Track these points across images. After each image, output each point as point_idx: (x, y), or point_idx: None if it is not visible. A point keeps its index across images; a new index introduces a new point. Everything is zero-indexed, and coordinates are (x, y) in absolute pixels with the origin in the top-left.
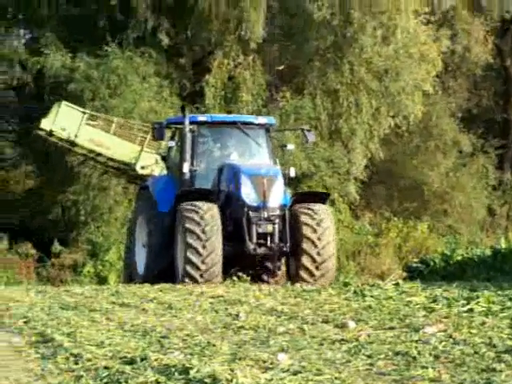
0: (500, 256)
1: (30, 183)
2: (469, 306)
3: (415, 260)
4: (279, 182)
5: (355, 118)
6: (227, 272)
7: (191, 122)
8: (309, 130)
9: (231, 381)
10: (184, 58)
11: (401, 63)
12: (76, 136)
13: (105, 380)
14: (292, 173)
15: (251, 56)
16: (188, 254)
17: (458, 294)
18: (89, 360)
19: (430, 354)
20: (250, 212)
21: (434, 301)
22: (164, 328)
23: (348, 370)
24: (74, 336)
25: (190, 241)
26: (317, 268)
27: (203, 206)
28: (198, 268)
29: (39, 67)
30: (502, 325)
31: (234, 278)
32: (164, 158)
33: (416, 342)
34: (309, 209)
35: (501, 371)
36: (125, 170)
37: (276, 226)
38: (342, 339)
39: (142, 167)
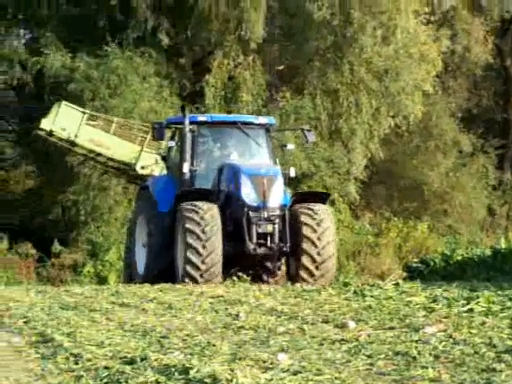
0: (500, 256)
1: (30, 183)
2: (469, 306)
3: (415, 260)
4: (279, 182)
5: (355, 117)
6: (227, 272)
7: (191, 122)
8: (309, 130)
9: (231, 381)
10: (184, 57)
11: (401, 63)
12: (76, 136)
13: (105, 380)
14: (292, 173)
15: (251, 56)
16: (188, 254)
17: (458, 294)
18: (89, 360)
19: (430, 354)
20: (250, 212)
21: (434, 301)
22: (164, 328)
23: (348, 369)
24: (74, 336)
25: (190, 241)
26: (317, 268)
27: (203, 206)
28: (198, 268)
29: (39, 67)
30: (502, 325)
31: (234, 278)
32: (164, 158)
33: (416, 341)
34: (309, 209)
35: (501, 371)
36: (125, 170)
37: (276, 225)
38: (342, 339)
39: (142, 167)
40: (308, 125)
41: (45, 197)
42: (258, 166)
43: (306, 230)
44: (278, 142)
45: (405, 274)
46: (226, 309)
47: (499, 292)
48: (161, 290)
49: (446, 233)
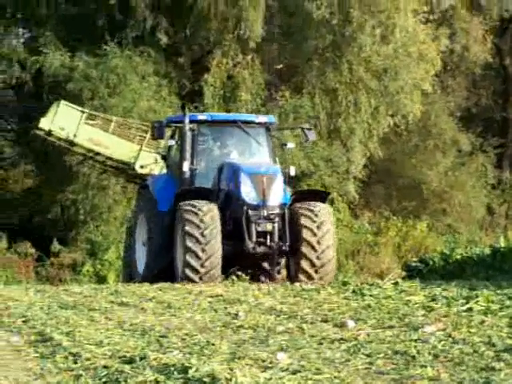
0: (499, 255)
1: (29, 182)
2: (468, 305)
3: (414, 259)
4: (279, 181)
5: (354, 117)
6: (226, 271)
7: (191, 121)
8: (309, 129)
9: (230, 380)
10: (183, 57)
11: (400, 62)
12: (75, 135)
13: (104, 379)
14: (292, 172)
15: (250, 55)
16: (187, 257)
17: (457, 293)
18: (88, 359)
19: (429, 353)
20: (250, 211)
21: (433, 300)
22: (163, 327)
23: (347, 369)
24: (73, 335)
25: (190, 244)
26: (316, 272)
27: (203, 207)
28: (197, 271)
29: (38, 66)
30: (501, 324)
31: (233, 278)
32: (164, 157)
33: (415, 341)
34: (309, 210)
35: (500, 370)
36: (124, 170)
37: (276, 224)
38: (341, 338)
39: (141, 166)
40: (308, 123)
41: (44, 196)
42: (257, 164)
43: (305, 234)
44: (277, 141)
45: (404, 273)
46: (225, 308)
47: (498, 291)
48: (160, 289)
49: (445, 232)
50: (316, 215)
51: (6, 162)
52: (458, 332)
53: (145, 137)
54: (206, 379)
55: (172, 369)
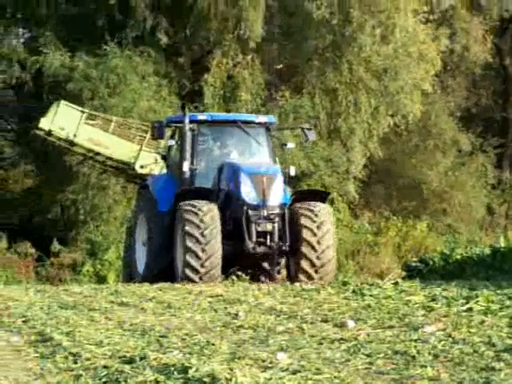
0: (499, 255)
1: (29, 182)
2: (468, 305)
3: (414, 259)
4: (279, 181)
5: (354, 117)
6: (226, 271)
7: (191, 121)
8: (309, 129)
9: (230, 380)
10: (183, 57)
11: (400, 62)
12: (75, 135)
13: (104, 379)
14: (292, 172)
15: (250, 55)
16: (187, 257)
17: (457, 293)
18: (88, 359)
19: (430, 353)
20: (250, 210)
21: (433, 300)
22: (163, 327)
23: (347, 369)
24: (73, 335)
25: (190, 244)
26: (316, 272)
27: (203, 207)
28: (197, 271)
29: (38, 66)
30: (501, 324)
31: (233, 277)
32: (164, 157)
33: (415, 341)
34: (309, 210)
35: (500, 370)
36: (124, 170)
37: (276, 224)
38: (341, 338)
39: (141, 166)
40: (308, 123)
41: (44, 196)
42: (257, 164)
43: (305, 234)
44: (277, 141)
45: (404, 273)
46: (225, 308)
47: (498, 291)
48: (160, 289)
49: (445, 232)
50: (316, 215)
51: (6, 162)
52: (458, 332)
53: (145, 137)
54: (206, 379)
55: (172, 369)
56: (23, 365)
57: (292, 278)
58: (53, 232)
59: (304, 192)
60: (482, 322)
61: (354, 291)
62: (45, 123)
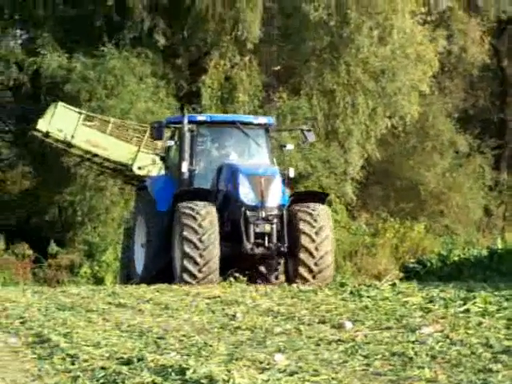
0: (496, 256)
1: (27, 184)
2: (465, 307)
3: (412, 260)
4: (277, 182)
5: (352, 118)
6: (225, 273)
7: (190, 122)
8: (309, 130)
9: (228, 381)
10: (180, 58)
11: (397, 63)
12: (72, 137)
13: (101, 380)
14: (291, 173)
15: (248, 56)
16: (185, 262)
17: (454, 295)
18: (85, 360)
19: (427, 355)
20: (248, 212)
21: (431, 301)
22: (161, 329)
23: (345, 370)
24: (71, 336)
25: (188, 250)
26: (313, 277)
27: (201, 210)
28: (194, 276)
29: (36, 68)
30: (498, 325)
31: (231, 279)
32: (163, 158)
33: (413, 342)
34: (308, 213)
35: (497, 372)
36: (121, 171)
37: (274, 226)
38: (339, 340)
39: (139, 168)
40: (306, 125)
41: (41, 197)
42: (256, 165)
43: (304, 240)
44: (276, 142)
45: (401, 275)
46: (223, 309)
47: (496, 292)
48: (157, 291)
49: (443, 233)
50: (315, 220)
51: (3, 164)
52: (456, 333)
53: (142, 138)
54: (203, 381)
55: (169, 370)
56: (21, 366)
57: (291, 276)
58: (50, 233)
59: (303, 193)
60: (480, 323)
61: (351, 292)
62: (42, 125)
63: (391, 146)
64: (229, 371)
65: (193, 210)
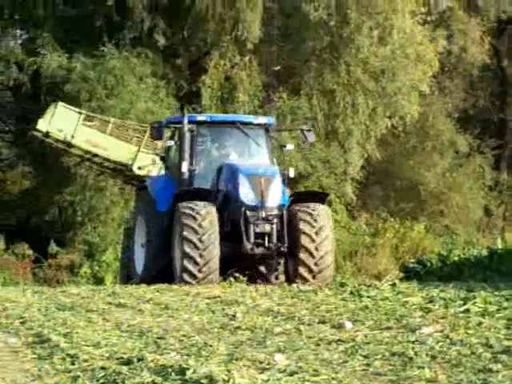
0: (496, 256)
1: (27, 184)
2: (465, 307)
3: (412, 260)
4: (277, 182)
5: (352, 118)
6: (225, 273)
7: (190, 122)
8: (309, 130)
9: (228, 381)
10: (180, 58)
11: (397, 63)
12: (72, 137)
13: (101, 380)
14: (291, 173)
15: (248, 56)
16: (185, 262)
17: (454, 295)
18: (85, 360)
19: (427, 355)
20: (248, 212)
21: (431, 301)
22: (161, 329)
23: (345, 370)
24: (71, 336)
25: (188, 250)
26: (313, 277)
27: (201, 210)
28: (194, 277)
29: (36, 68)
30: (498, 325)
31: (231, 279)
32: (163, 158)
33: (413, 342)
34: (308, 213)
35: (497, 372)
36: (121, 171)
37: (274, 225)
38: (339, 340)
39: (139, 168)
40: (306, 125)
41: (41, 197)
42: (256, 165)
43: (304, 240)
44: (276, 142)
45: (401, 275)
46: (223, 309)
47: (496, 292)
48: (157, 291)
49: (443, 233)
50: (315, 220)
51: (3, 164)
52: (456, 333)
53: (142, 138)
54: (203, 381)
55: (169, 370)
56: (21, 366)
57: (291, 276)
58: (50, 233)
59: (303, 193)
60: (480, 323)
61: (351, 292)
62: (42, 125)
63: (391, 145)
64: (229, 371)
65: (193, 210)
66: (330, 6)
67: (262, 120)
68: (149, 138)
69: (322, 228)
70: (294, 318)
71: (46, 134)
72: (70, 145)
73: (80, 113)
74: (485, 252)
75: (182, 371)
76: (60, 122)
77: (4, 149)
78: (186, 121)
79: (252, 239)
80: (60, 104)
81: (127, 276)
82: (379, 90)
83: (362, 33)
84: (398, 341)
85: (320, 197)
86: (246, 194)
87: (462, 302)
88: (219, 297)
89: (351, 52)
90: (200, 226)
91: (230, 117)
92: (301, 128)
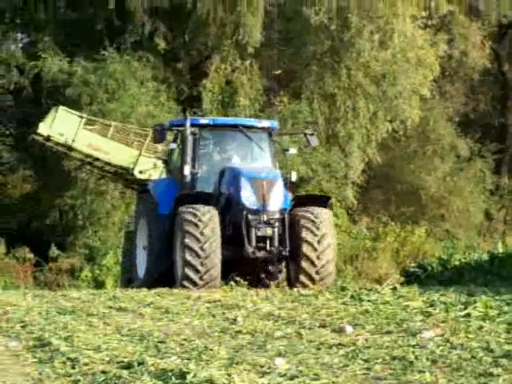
0: (497, 261)
1: (28, 187)
2: (466, 311)
3: (412, 264)
4: (279, 186)
5: (352, 122)
6: (226, 276)
7: (193, 125)
8: (312, 134)
9: None
10: (181, 62)
11: (398, 67)
12: (73, 141)
13: None
14: (294, 177)
15: (248, 60)
16: (186, 270)
17: (455, 299)
18: (86, 364)
19: (428, 359)
20: (250, 215)
21: (432, 305)
22: (161, 332)
23: (345, 374)
24: (71, 340)
25: (189, 258)
26: (314, 284)
27: (203, 216)
28: (195, 283)
29: (37, 71)
30: (499, 329)
31: (232, 283)
32: (166, 161)
33: (413, 346)
34: (311, 221)
35: (498, 376)
36: (122, 175)
37: (275, 229)
38: (340, 344)
39: (140, 172)
40: (308, 129)
41: (42, 201)
42: (258, 169)
43: (306, 248)
44: (279, 146)
45: (402, 279)
46: (224, 313)
47: (496, 297)
48: (158, 295)
49: (444, 237)
50: (317, 228)
51: (4, 167)
52: (456, 337)
53: (144, 142)
54: None
55: (170, 374)
56: (21, 370)
57: (293, 281)
58: (51, 237)
59: (304, 197)
60: (480, 327)
61: (352, 296)
62: (43, 128)
63: (392, 150)
64: (229, 375)
65: (195, 216)
66: (330, 10)
67: (265, 124)
68: (150, 141)
69: (324, 236)
70: (295, 322)
71: (47, 138)
72: (70, 149)
73: (81, 116)
74: (485, 256)
75: (182, 375)
76: (61, 126)
77: (5, 152)
78: (188, 124)
79: (254, 243)
80: (61, 108)
81: (129, 280)
82: (380, 94)
83: (363, 37)
84: (399, 345)
85: (322, 200)
86: (248, 197)
87: (462, 307)
88: (220, 301)
89: (352, 56)
90: (202, 233)
91: (232, 120)
92: (304, 132)
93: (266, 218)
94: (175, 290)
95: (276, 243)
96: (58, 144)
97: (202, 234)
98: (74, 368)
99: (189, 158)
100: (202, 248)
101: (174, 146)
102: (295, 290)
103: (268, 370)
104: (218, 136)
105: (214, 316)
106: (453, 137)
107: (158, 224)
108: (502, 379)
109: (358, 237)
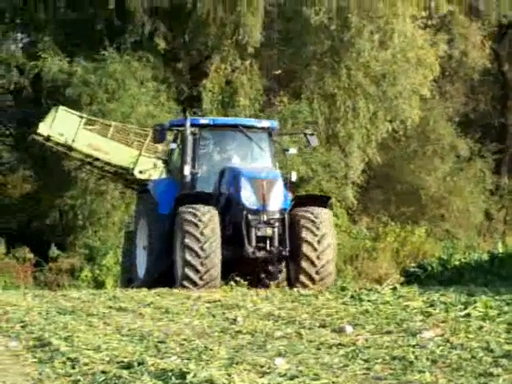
0: (497, 261)
1: (28, 187)
2: (466, 311)
3: (412, 264)
4: (279, 186)
5: (352, 122)
6: (226, 276)
7: (193, 125)
8: (312, 134)
9: None
10: (181, 62)
11: (398, 67)
12: (73, 141)
13: None
14: (294, 177)
15: (248, 60)
16: (186, 270)
17: (455, 299)
18: (86, 364)
19: (428, 359)
20: (250, 215)
21: (432, 305)
22: (161, 332)
23: (345, 374)
24: (71, 340)
25: (189, 258)
26: (314, 284)
27: (203, 216)
28: (195, 283)
29: (37, 71)
30: (499, 329)
31: (232, 283)
32: (166, 161)
33: (413, 346)
34: (311, 221)
35: (498, 376)
36: (122, 175)
37: (275, 229)
38: (340, 344)
39: (140, 172)
40: (308, 129)
41: (42, 201)
42: (258, 169)
43: (306, 248)
44: (279, 146)
45: (402, 279)
46: (224, 313)
47: (496, 297)
48: (158, 295)
49: (444, 237)
50: (317, 228)
51: (4, 167)
52: (456, 337)
53: (144, 142)
54: None
55: (170, 374)
56: (21, 370)
57: (293, 280)
58: (51, 237)
59: (304, 197)
60: (480, 327)
61: (352, 296)
62: (43, 128)
63: (392, 150)
64: (229, 375)
65: (195, 216)
66: (330, 10)
67: (265, 124)
68: (150, 141)
69: (324, 236)
70: (295, 322)
71: (47, 138)
72: (70, 149)
73: (81, 117)
74: (485, 256)
75: (182, 375)
76: (61, 126)
77: (5, 152)
78: (188, 124)
79: (254, 243)
80: (61, 108)
81: (129, 280)
82: (380, 94)
83: (363, 37)
84: (399, 345)
85: (322, 200)
86: (248, 197)
87: (462, 307)
88: (220, 301)
89: (352, 56)
90: (202, 233)
91: (232, 120)
92: (304, 132)
93: (265, 218)
94: (175, 290)
95: (276, 243)
96: (58, 144)
97: (202, 234)
98: (74, 368)
99: (189, 158)
100: (202, 248)
101: (174, 145)
102: (295, 289)
103: (268, 370)
104: (218, 136)
105: (214, 316)
106: (453, 137)
107: (157, 224)
108: (502, 379)
109: (358, 237)
